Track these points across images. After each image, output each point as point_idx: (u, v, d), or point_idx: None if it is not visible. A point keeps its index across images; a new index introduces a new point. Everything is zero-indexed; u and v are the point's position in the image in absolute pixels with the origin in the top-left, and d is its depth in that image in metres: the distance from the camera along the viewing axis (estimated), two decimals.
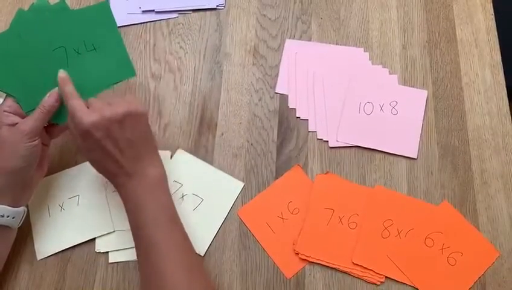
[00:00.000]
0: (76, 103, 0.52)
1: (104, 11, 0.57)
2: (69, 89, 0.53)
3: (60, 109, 0.55)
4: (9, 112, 0.53)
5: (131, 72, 0.59)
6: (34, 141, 0.52)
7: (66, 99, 0.53)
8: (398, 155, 0.64)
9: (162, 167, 0.56)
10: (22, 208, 0.54)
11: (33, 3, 0.55)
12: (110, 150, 0.51)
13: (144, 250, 0.51)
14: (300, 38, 0.72)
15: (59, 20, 0.56)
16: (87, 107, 0.52)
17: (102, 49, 0.57)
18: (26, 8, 0.55)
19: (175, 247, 0.51)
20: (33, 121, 0.53)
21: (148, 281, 0.50)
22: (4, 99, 0.55)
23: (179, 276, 0.49)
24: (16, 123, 0.53)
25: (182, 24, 0.73)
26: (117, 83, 0.59)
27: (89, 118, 0.50)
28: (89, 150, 0.52)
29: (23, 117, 0.54)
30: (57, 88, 0.55)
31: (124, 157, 0.52)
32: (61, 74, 0.54)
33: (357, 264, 0.58)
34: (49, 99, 0.54)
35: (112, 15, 0.58)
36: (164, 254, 0.50)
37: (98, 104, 0.52)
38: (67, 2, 0.74)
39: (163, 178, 0.55)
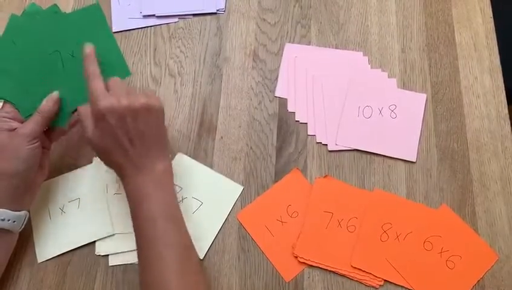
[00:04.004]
0: (96, 85, 0.51)
1: (96, 13, 0.57)
2: (93, 68, 0.53)
3: (59, 113, 0.56)
4: (8, 118, 0.54)
5: (126, 72, 0.59)
6: (34, 144, 0.53)
7: (88, 79, 0.52)
8: (397, 159, 0.65)
9: (170, 162, 0.55)
10: (24, 212, 0.55)
11: (25, 9, 0.55)
12: (121, 139, 0.51)
13: (140, 245, 0.51)
14: (299, 42, 0.72)
15: (52, 25, 0.56)
16: (108, 90, 0.52)
17: (97, 52, 0.57)
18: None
19: (169, 247, 0.50)
20: (32, 124, 0.53)
21: (142, 276, 0.50)
22: (2, 106, 0.55)
23: (169, 278, 0.48)
24: (15, 128, 0.53)
25: (182, 28, 0.74)
26: None
27: (107, 102, 0.50)
28: (100, 137, 0.51)
29: (21, 122, 0.54)
30: (54, 92, 0.55)
31: (133, 149, 0.51)
32: (88, 49, 0.54)
33: (356, 268, 0.58)
34: (47, 103, 0.54)
35: (104, 17, 0.58)
36: (157, 253, 0.49)
37: (118, 90, 0.52)
38: (67, 7, 0.75)
39: (169, 174, 0.55)
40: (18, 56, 0.55)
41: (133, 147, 0.51)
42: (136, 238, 0.52)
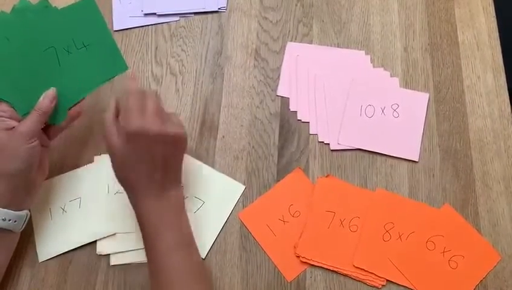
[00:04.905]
0: (134, 101, 0.51)
1: (90, 8, 0.57)
2: (135, 85, 0.54)
3: (56, 110, 0.55)
4: (5, 117, 0.53)
5: (124, 67, 0.59)
6: (33, 142, 0.53)
7: (129, 92, 0.52)
8: (400, 158, 0.64)
9: (181, 189, 0.56)
10: (25, 212, 0.54)
11: (15, 5, 0.54)
12: (145, 162, 0.51)
13: (155, 274, 0.52)
14: (301, 41, 0.72)
15: (45, 20, 0.55)
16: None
17: (93, 47, 0.56)
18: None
19: (183, 276, 0.51)
20: (30, 122, 0.53)
21: None
22: None
23: None
24: (13, 127, 0.53)
25: (184, 27, 0.73)
26: (110, 79, 0.59)
27: (142, 123, 0.50)
28: (124, 153, 0.51)
29: (19, 121, 0.54)
30: (51, 89, 0.55)
31: (153, 174, 0.52)
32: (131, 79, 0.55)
33: (358, 267, 0.58)
34: (44, 100, 0.54)
35: (99, 11, 0.57)
36: (169, 281, 0.50)
37: (152, 111, 0.51)
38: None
39: (181, 201, 0.56)
40: (12, 54, 0.54)
41: (154, 171, 0.52)
42: (149, 265, 0.52)
